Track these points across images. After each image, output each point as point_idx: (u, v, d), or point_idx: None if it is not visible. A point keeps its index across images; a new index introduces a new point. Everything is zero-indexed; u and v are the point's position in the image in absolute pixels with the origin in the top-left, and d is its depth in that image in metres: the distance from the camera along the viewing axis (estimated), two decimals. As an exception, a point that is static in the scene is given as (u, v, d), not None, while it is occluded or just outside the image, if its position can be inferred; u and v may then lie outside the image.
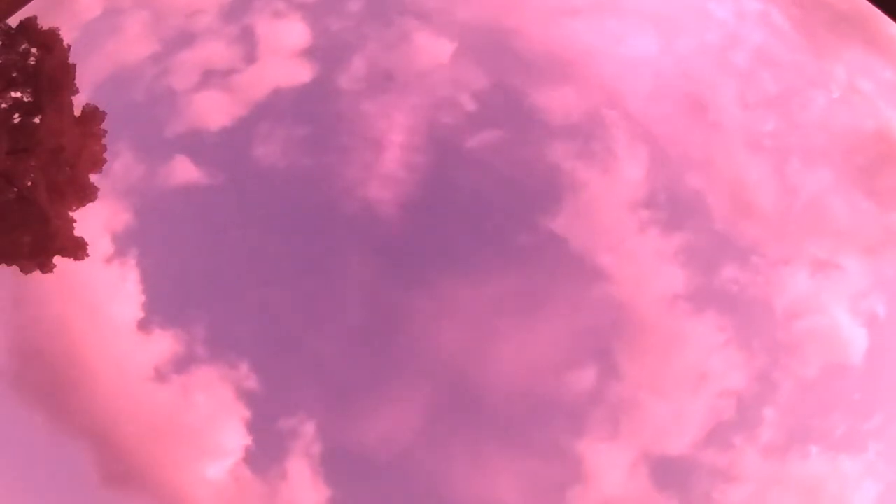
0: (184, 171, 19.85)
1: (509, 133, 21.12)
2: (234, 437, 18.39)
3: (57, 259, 18.42)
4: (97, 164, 19.81)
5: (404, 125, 20.02)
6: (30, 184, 18.98)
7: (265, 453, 18.69)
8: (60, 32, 18.53)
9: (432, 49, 20.65)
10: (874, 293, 19.25)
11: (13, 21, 18.18)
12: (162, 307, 19.22)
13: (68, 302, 18.51)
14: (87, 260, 18.54)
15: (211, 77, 20.54)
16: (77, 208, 19.45)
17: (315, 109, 20.41)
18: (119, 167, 19.46)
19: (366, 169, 20.04)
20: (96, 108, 19.58)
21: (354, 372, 20.71)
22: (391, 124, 20.06)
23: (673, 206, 19.36)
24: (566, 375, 18.41)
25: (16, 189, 18.98)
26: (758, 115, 19.70)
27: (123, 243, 19.57)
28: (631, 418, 17.89)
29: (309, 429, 19.34)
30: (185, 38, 20.92)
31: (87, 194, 19.56)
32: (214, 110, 20.04)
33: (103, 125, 19.73)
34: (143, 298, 19.33)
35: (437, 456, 19.95)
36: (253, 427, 18.66)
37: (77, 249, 19.29)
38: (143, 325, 19.17)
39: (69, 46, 19.02)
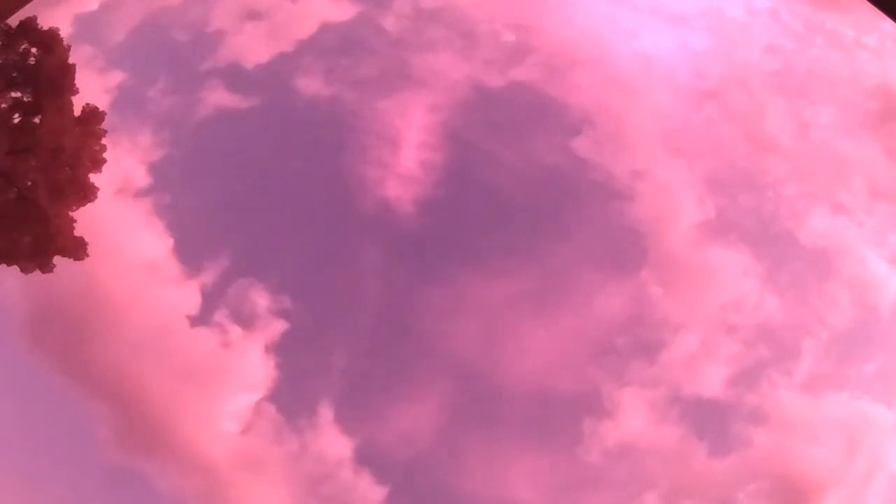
0: (218, 106, 19.92)
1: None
2: (256, 386, 17.76)
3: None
4: (97, 163, 19.79)
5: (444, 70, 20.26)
6: (30, 184, 18.94)
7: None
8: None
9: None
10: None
11: (13, 21, 18.47)
12: (188, 248, 19.03)
13: (91, 241, 18.09)
14: (110, 200, 18.36)
15: (251, 16, 20.85)
16: (77, 208, 19.36)
17: (354, 47, 20.69)
18: (153, 104, 19.55)
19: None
20: (96, 108, 19.67)
21: (370, 370, 20.12)
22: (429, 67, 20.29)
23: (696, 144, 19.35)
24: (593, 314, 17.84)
25: (16, 189, 18.92)
26: (767, 64, 19.99)
27: (152, 180, 19.55)
28: (659, 358, 17.26)
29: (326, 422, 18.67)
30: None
31: (87, 194, 19.48)
32: (253, 48, 20.27)
33: (103, 125, 19.86)
34: (169, 237, 19.17)
35: (453, 456, 19.12)
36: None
37: (77, 249, 19.10)
38: (168, 266, 18.90)
39: (69, 46, 19.31)
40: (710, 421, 17.87)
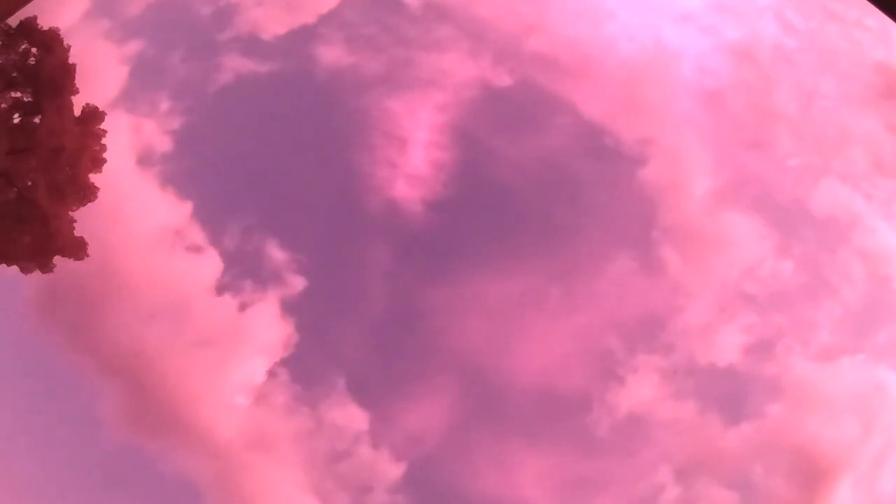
0: (235, 75, 19.96)
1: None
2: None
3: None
4: (97, 163, 19.73)
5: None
6: (30, 184, 18.84)
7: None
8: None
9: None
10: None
11: (13, 21, 18.54)
12: (202, 216, 18.98)
13: (104, 211, 17.86)
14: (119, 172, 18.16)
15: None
16: (77, 208, 19.24)
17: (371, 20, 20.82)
18: (170, 73, 19.52)
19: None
20: (96, 108, 19.71)
21: (377, 368, 19.84)
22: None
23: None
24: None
25: (16, 189, 18.82)
26: (773, 39, 20.14)
27: (164, 150, 19.42)
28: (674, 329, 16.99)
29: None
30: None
31: (87, 194, 19.38)
32: (270, 19, 20.34)
33: (103, 125, 19.84)
34: (182, 206, 19.03)
35: (462, 455, 18.70)
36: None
37: (77, 249, 18.92)
38: (186, 234, 18.78)
39: (69, 46, 19.37)
40: (726, 392, 17.62)
